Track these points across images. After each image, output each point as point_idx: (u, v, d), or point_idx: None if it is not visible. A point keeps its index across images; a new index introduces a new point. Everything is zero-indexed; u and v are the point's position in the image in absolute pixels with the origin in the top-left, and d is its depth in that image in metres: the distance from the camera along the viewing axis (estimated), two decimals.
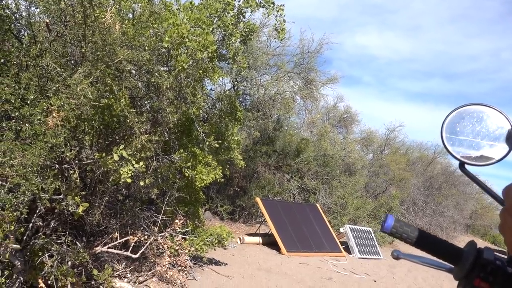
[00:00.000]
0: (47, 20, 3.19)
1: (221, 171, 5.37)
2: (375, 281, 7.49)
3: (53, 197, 3.07)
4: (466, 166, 0.89)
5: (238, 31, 5.02)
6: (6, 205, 2.55)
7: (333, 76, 11.80)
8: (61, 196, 3.18)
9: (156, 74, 3.90)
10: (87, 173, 4.52)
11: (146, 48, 3.75)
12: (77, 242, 3.99)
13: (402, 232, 0.77)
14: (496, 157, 0.85)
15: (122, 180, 3.40)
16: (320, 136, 12.41)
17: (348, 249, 9.56)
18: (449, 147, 0.89)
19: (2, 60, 2.98)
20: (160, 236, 4.80)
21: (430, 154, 18.73)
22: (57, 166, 3.39)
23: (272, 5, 5.05)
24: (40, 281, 3.25)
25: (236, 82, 9.68)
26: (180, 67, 3.85)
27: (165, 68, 4.28)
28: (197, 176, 4.93)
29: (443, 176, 18.19)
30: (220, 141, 5.54)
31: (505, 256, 0.71)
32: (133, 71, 4.03)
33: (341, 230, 10.14)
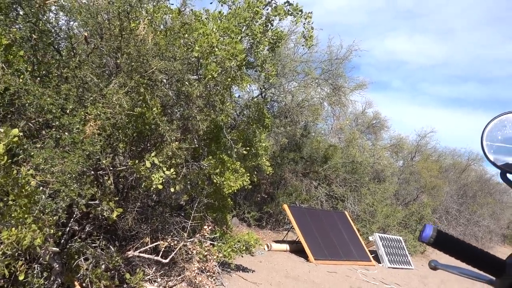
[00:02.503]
0: (86, 34, 3.34)
1: (248, 177, 5.40)
2: None
3: (89, 202, 3.20)
4: (508, 175, 0.87)
5: (266, 39, 5.07)
6: (47, 210, 2.68)
7: (362, 82, 11.66)
8: (96, 202, 3.31)
9: (186, 83, 4.00)
10: (120, 180, 4.67)
11: (177, 58, 3.85)
12: (110, 246, 4.11)
13: (441, 242, 0.76)
14: None
15: (154, 186, 3.49)
16: (348, 142, 12.25)
17: (377, 258, 9.35)
18: (489, 155, 0.87)
19: (44, 72, 3.14)
20: (189, 241, 4.88)
21: (463, 161, 18.11)
22: (93, 172, 3.53)
23: (300, 13, 5.07)
24: (76, 283, 3.38)
25: (263, 89, 9.74)
26: (210, 76, 3.93)
27: (195, 76, 4.38)
28: (225, 182, 4.98)
29: (478, 184, 17.51)
30: (248, 148, 5.59)
31: None
32: (164, 80, 4.15)
33: (370, 238, 9.93)
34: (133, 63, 3.33)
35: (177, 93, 4.40)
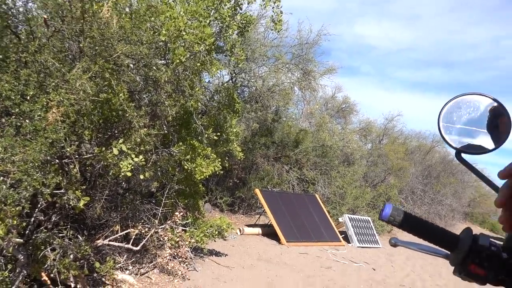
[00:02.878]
0: (45, 16, 3.18)
1: (220, 163, 5.40)
2: (374, 269, 7.59)
3: (54, 191, 3.11)
4: (463, 155, 0.89)
5: (235, 23, 5.01)
6: (8, 200, 2.58)
7: (331, 67, 11.79)
8: (62, 191, 3.22)
9: (154, 67, 3.91)
10: (87, 168, 4.54)
11: (144, 42, 3.75)
12: (78, 236, 4.03)
13: (400, 220, 0.79)
14: (492, 145, 0.86)
15: (122, 174, 3.43)
16: (319, 126, 12.43)
17: (347, 239, 9.66)
18: (445, 136, 0.90)
19: (0, 57, 2.98)
20: (161, 228, 4.85)
21: (428, 143, 18.82)
22: (57, 161, 3.42)
23: None
24: (43, 274, 3.31)
25: (234, 74, 9.67)
26: (178, 60, 3.86)
27: (163, 61, 4.28)
28: (196, 168, 4.96)
29: (442, 164, 18.29)
30: (218, 133, 5.57)
31: (501, 242, 0.73)
32: (131, 65, 4.03)
33: (340, 219, 10.23)
34: (97, 47, 3.21)
35: (144, 78, 4.29)
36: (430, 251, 0.81)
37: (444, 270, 8.53)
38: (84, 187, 4.19)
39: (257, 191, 8.77)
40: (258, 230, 8.59)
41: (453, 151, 0.93)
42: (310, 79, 11.01)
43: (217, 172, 5.61)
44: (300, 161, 11.57)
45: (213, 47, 4.31)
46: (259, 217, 9.69)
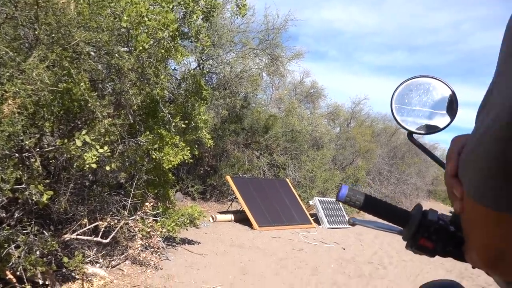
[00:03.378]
0: None
1: (189, 151, 5.35)
2: (344, 249, 7.84)
3: (14, 187, 2.98)
4: (414, 135, 0.94)
5: (199, 8, 4.92)
6: None
7: (299, 52, 11.84)
8: (23, 186, 3.09)
9: (116, 55, 3.79)
10: (50, 161, 4.39)
11: (104, 28, 3.61)
12: (44, 231, 3.91)
13: (356, 200, 0.82)
14: (441, 125, 0.91)
15: (87, 166, 3.34)
16: (288, 112, 12.53)
17: (317, 221, 9.89)
18: (398, 118, 0.94)
19: None
20: (131, 219, 4.78)
21: (393, 125, 19.38)
22: (17, 155, 3.28)
23: None
24: (7, 272, 3.19)
25: (201, 61, 9.52)
26: (141, 47, 3.75)
27: (126, 48, 4.15)
28: (164, 157, 4.89)
29: (406, 145, 18.91)
30: (187, 121, 5.50)
31: (450, 215, 0.78)
32: (92, 53, 3.89)
33: (311, 202, 10.44)
34: (53, 35, 3.07)
35: (107, 66, 4.16)
36: (385, 228, 0.86)
37: None
38: (48, 181, 4.06)
39: (228, 178, 8.78)
40: (230, 216, 8.64)
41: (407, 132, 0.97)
42: (278, 64, 11.02)
43: (187, 161, 5.56)
44: (270, 147, 11.65)
45: (177, 33, 4.21)
46: (231, 204, 9.73)
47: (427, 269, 7.34)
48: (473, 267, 0.58)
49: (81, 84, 3.19)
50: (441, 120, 0.90)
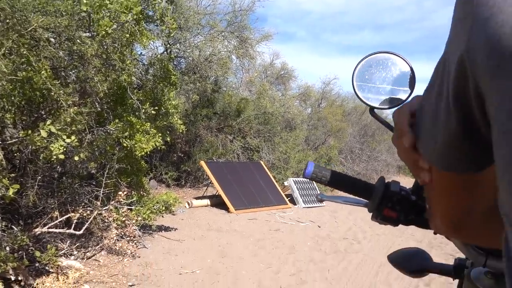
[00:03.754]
0: None
1: (161, 138, 5.27)
2: (319, 227, 8.03)
3: None
4: (376, 111, 0.98)
5: None
6: None
7: (267, 33, 11.76)
8: None
9: (78, 41, 3.64)
10: (15, 154, 4.22)
11: (63, 13, 3.45)
12: (13, 226, 3.79)
13: (322, 176, 0.84)
14: (401, 99, 0.92)
15: (54, 157, 3.23)
16: (259, 94, 12.51)
17: (293, 201, 10.05)
18: (359, 94, 0.97)
19: None
20: (104, 209, 4.70)
21: (363, 104, 19.72)
22: None
23: None
24: None
25: (168, 45, 9.30)
26: (104, 32, 3.61)
27: (88, 34, 3.99)
28: (136, 145, 4.80)
29: (376, 123, 19.29)
30: (156, 108, 5.39)
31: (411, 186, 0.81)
32: (52, 39, 3.71)
33: (286, 183, 10.58)
34: (8, 20, 2.90)
35: (69, 53, 3.99)
36: (351, 202, 0.89)
37: None
38: (14, 174, 3.91)
39: (202, 163, 8.74)
40: (206, 201, 8.64)
41: (389, 110, 1.00)
42: (247, 46, 10.92)
43: (159, 147, 5.48)
44: (243, 130, 11.65)
45: (141, 16, 4.08)
46: (206, 189, 9.72)
47: (398, 241, 7.65)
48: (435, 233, 0.60)
49: (42, 72, 3.05)
50: (401, 95, 0.92)
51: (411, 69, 0.92)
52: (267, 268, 5.18)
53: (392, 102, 0.93)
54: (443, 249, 7.44)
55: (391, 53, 0.95)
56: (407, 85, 0.94)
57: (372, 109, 0.97)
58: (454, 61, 0.35)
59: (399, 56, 0.94)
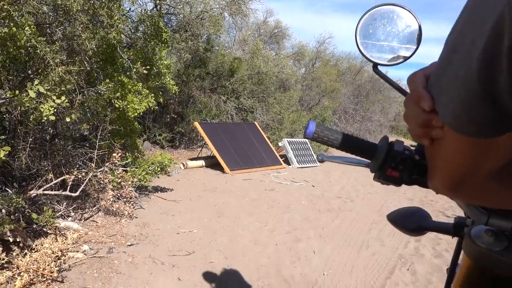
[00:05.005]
0: None
1: (153, 98, 5.15)
2: (313, 186, 8.14)
3: None
4: (379, 67, 0.94)
5: None
6: None
7: None
8: None
9: None
10: (4, 115, 4.11)
11: None
12: (7, 189, 3.75)
13: (323, 136, 0.80)
14: (405, 56, 0.90)
15: (45, 118, 3.13)
16: (253, 54, 12.22)
17: (287, 161, 10.12)
18: (362, 50, 0.92)
19: None
20: (99, 171, 4.67)
21: (358, 64, 19.51)
22: None
23: None
24: None
25: (158, 1, 8.90)
26: None
27: None
28: (128, 106, 4.69)
29: (370, 83, 19.24)
30: (148, 67, 5.23)
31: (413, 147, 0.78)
32: None
33: (280, 144, 10.60)
34: None
35: (53, 8, 3.78)
36: (353, 162, 0.86)
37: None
38: (4, 137, 3.83)
39: (196, 124, 8.66)
40: (201, 162, 8.65)
41: (385, 69, 0.96)
42: (240, 3, 10.52)
43: (152, 109, 5.38)
44: (236, 91, 11.48)
45: None
46: (201, 150, 9.71)
47: (390, 199, 7.81)
48: (437, 193, 0.60)
49: (26, 28, 2.89)
50: (405, 52, 0.90)
51: (418, 23, 0.88)
52: (263, 226, 5.27)
53: (396, 58, 0.90)
54: (433, 206, 7.63)
55: (397, 5, 0.89)
56: (412, 41, 0.90)
57: (375, 65, 0.93)
58: (492, 18, 0.35)
59: (405, 9, 0.89)
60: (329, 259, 4.48)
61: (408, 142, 0.80)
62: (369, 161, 0.81)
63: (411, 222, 1.05)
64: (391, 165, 0.74)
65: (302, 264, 4.24)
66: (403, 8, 0.88)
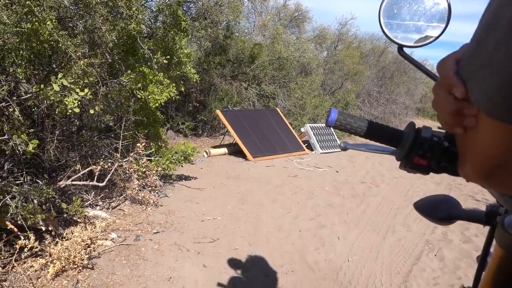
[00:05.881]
0: None
1: (175, 88, 5.18)
2: (337, 172, 8.06)
3: None
4: (405, 49, 0.90)
5: None
6: None
7: None
8: (6, 137, 2.99)
9: None
10: (33, 109, 4.23)
11: None
12: (38, 180, 3.89)
13: (346, 124, 0.78)
14: (433, 36, 0.85)
15: (70, 111, 3.20)
16: (273, 39, 12.06)
17: (310, 147, 10.04)
18: (387, 31, 0.89)
19: None
20: (124, 161, 4.77)
21: (381, 45, 18.94)
22: None
23: None
24: (8, 223, 3.21)
25: None
26: None
27: None
28: (150, 96, 4.74)
29: (395, 64, 18.68)
30: (168, 57, 5.25)
31: (443, 131, 0.74)
32: None
33: (302, 129, 10.52)
34: None
35: (74, 1, 3.82)
36: (378, 149, 0.84)
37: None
38: (33, 130, 3.95)
39: (218, 112, 8.69)
40: (224, 150, 8.70)
41: (409, 50, 0.93)
42: None
43: (174, 98, 5.41)
44: (257, 77, 11.40)
45: None
46: (223, 138, 9.76)
47: (417, 184, 7.64)
48: (468, 181, 0.57)
49: (48, 22, 2.93)
50: (432, 31, 0.85)
51: (447, 1, 0.83)
52: (287, 213, 5.28)
53: (424, 38, 0.86)
54: (462, 190, 7.42)
55: None
56: (441, 20, 0.85)
57: (401, 47, 0.89)
58: None
59: None
60: (353, 245, 4.44)
61: (436, 125, 0.76)
62: (395, 148, 0.78)
63: (440, 211, 1.02)
64: (418, 153, 0.71)
65: (326, 250, 4.22)
66: None
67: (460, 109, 0.47)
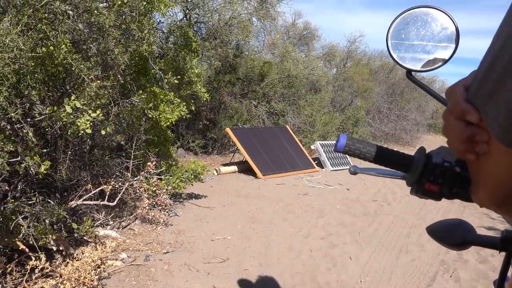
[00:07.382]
0: None
1: (185, 107, 5.24)
2: (348, 189, 7.97)
3: (10, 160, 2.93)
4: (413, 73, 0.90)
5: None
6: None
7: None
8: (19, 158, 3.04)
9: (95, 12, 3.56)
10: (47, 130, 4.31)
11: None
12: (50, 200, 3.92)
13: (355, 149, 0.77)
14: (441, 59, 0.85)
15: (82, 132, 3.26)
16: (282, 57, 12.18)
17: (320, 164, 9.98)
18: (395, 56, 0.88)
19: None
20: (135, 180, 4.80)
21: (391, 61, 18.93)
22: (8, 127, 3.19)
23: None
24: (19, 243, 3.24)
25: (187, 11, 9.08)
26: (120, 1, 3.51)
27: (104, 4, 3.90)
28: (161, 115, 4.79)
29: (405, 81, 18.59)
30: (179, 77, 5.33)
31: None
32: (70, 12, 3.65)
33: (312, 147, 10.48)
34: None
35: (88, 25, 3.93)
36: (387, 174, 0.83)
37: None
38: (46, 150, 4.01)
39: (228, 130, 8.73)
40: (234, 168, 8.70)
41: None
42: (267, 7, 10.53)
43: (184, 116, 5.47)
44: (267, 95, 11.48)
45: None
46: (233, 155, 9.77)
47: (430, 202, 7.47)
48: (481, 207, 0.56)
49: (62, 46, 3.02)
50: (442, 53, 0.85)
51: (455, 25, 0.83)
52: (297, 232, 5.21)
53: (433, 62, 0.86)
54: (476, 208, 7.26)
55: (432, 7, 0.85)
56: (449, 42, 0.84)
57: (409, 71, 0.89)
58: None
59: (440, 10, 0.84)
60: (366, 265, 4.35)
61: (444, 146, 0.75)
62: (405, 173, 0.77)
63: (454, 236, 1.00)
64: (429, 179, 0.69)
65: (338, 271, 4.14)
66: (438, 9, 0.84)
67: (472, 136, 0.46)
